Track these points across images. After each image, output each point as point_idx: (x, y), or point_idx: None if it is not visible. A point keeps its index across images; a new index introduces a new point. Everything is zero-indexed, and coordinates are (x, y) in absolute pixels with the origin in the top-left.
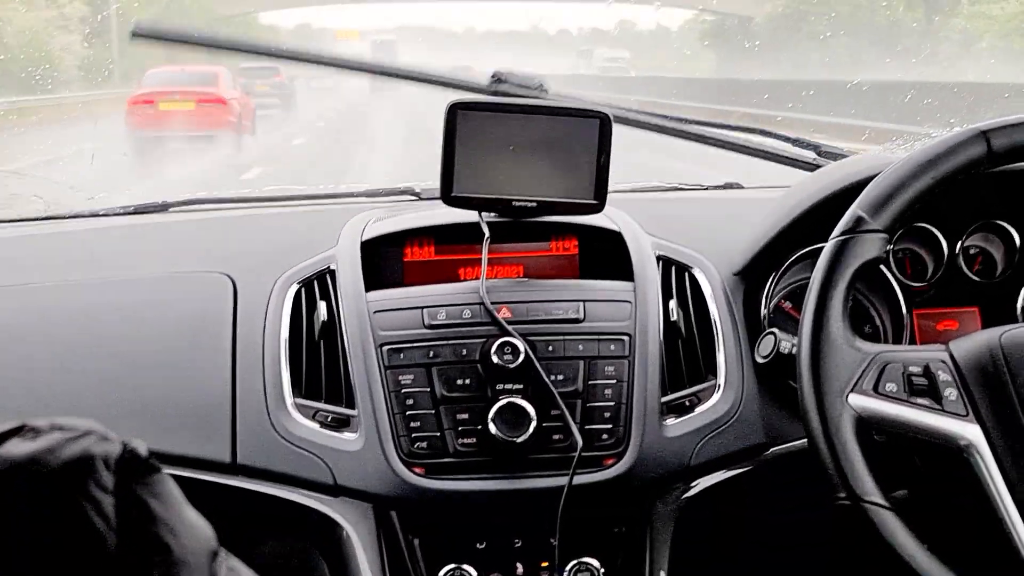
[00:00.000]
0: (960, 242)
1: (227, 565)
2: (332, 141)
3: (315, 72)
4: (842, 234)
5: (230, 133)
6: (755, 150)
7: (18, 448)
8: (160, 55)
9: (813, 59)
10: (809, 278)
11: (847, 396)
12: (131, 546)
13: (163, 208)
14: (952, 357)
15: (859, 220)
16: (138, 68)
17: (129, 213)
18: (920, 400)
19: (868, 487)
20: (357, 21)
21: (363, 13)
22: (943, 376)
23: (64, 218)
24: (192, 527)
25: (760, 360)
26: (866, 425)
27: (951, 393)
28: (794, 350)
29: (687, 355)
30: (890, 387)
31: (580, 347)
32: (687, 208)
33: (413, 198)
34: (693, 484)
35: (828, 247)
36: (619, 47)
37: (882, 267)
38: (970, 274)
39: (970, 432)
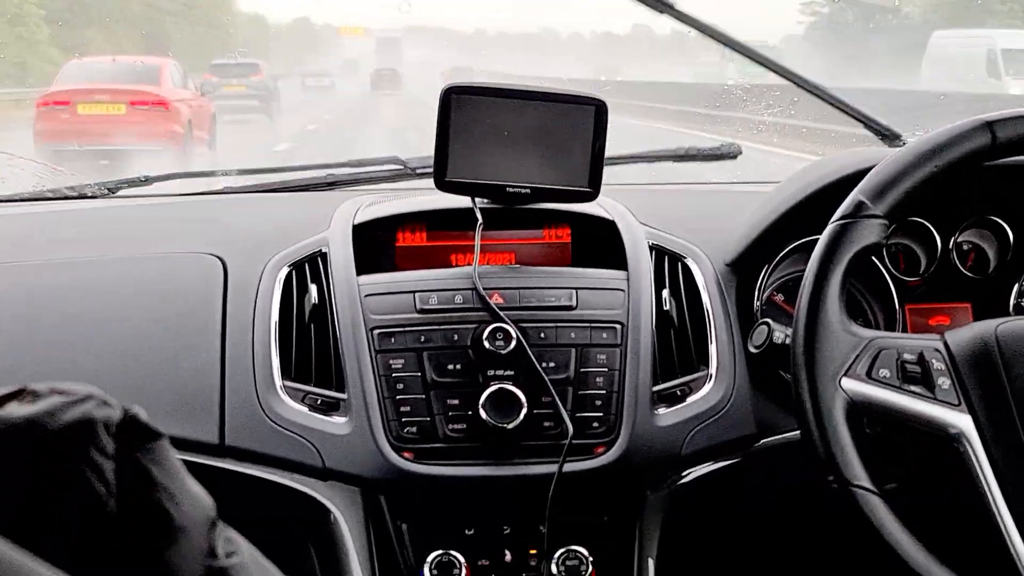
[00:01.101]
0: (953, 237)
1: (224, 536)
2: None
3: (307, 64)
4: (842, 218)
5: (174, 147)
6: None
7: (17, 411)
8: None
9: None
10: (802, 271)
11: (840, 380)
12: (131, 512)
13: (145, 182)
14: (947, 346)
15: (860, 205)
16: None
17: (111, 190)
18: (913, 387)
19: (857, 472)
20: (362, 18)
21: (368, 9)
22: (937, 365)
23: (50, 199)
24: (192, 495)
25: (753, 350)
26: (857, 410)
27: (944, 382)
28: (787, 340)
29: (679, 345)
30: (883, 373)
31: (572, 335)
32: (680, 199)
33: (399, 167)
34: (683, 474)
35: (828, 230)
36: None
37: (875, 260)
38: (963, 270)
39: (961, 421)
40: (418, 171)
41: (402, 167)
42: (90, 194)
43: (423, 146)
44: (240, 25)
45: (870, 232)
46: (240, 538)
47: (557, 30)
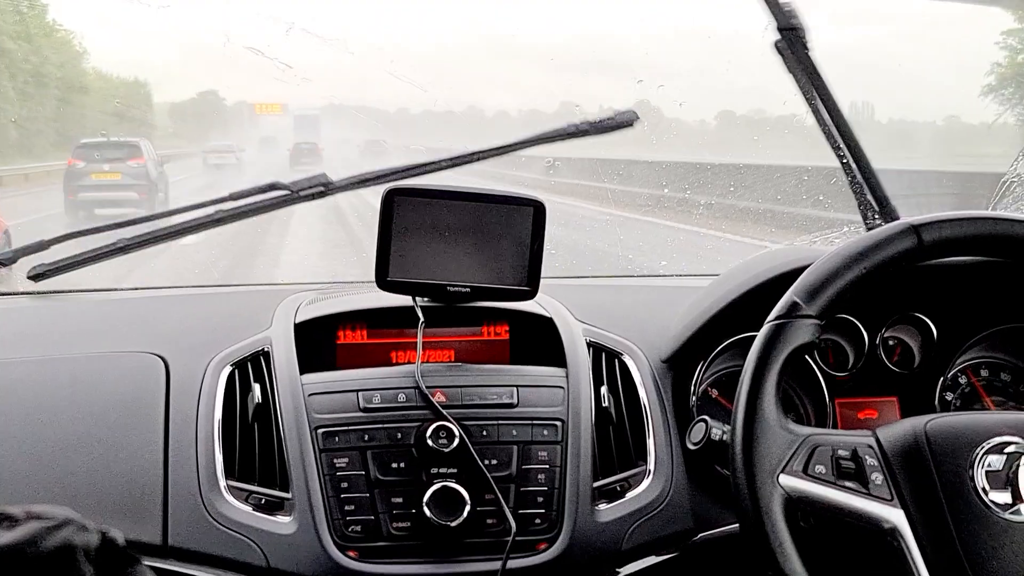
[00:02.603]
0: (880, 333)
1: None
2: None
3: (212, 140)
4: (777, 318)
5: None
6: None
7: None
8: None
9: None
10: (736, 366)
11: (778, 476)
12: None
13: (92, 290)
14: (879, 442)
15: (794, 305)
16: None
17: (59, 292)
18: (847, 483)
19: (796, 567)
20: (279, 96)
21: (287, 88)
22: (870, 460)
23: None
24: None
25: (691, 446)
26: (795, 505)
27: (877, 477)
28: (725, 437)
29: (617, 441)
30: (819, 469)
31: (514, 432)
32: (616, 295)
33: (285, 192)
34: (623, 569)
35: (764, 331)
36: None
37: (806, 356)
38: (890, 365)
39: (894, 516)
40: (302, 194)
41: (287, 192)
42: (23, 290)
43: None
44: (119, 94)
45: (804, 332)
46: None
47: (482, 108)
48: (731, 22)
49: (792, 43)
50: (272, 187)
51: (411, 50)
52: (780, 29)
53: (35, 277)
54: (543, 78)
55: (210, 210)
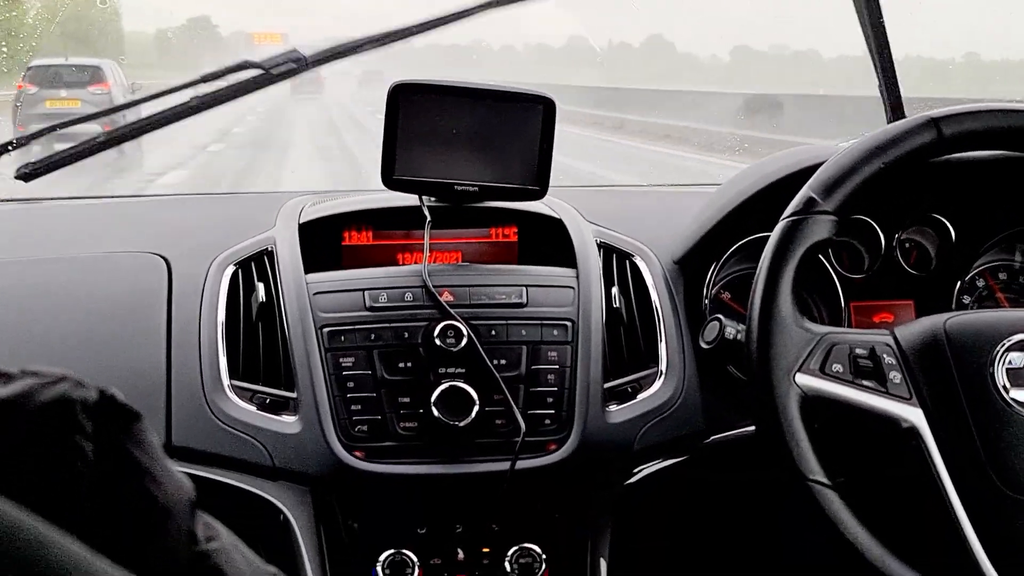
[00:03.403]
0: (897, 235)
1: (203, 520)
2: None
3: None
4: (793, 214)
5: None
6: None
7: None
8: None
9: None
10: (749, 268)
11: (794, 375)
12: (113, 494)
13: (92, 197)
14: (897, 341)
15: (811, 201)
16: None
17: (55, 199)
18: (865, 382)
19: (812, 466)
20: (279, 26)
21: (287, 20)
22: (888, 359)
23: None
24: (174, 477)
25: (704, 346)
26: (811, 404)
27: (895, 376)
28: (739, 336)
29: (629, 342)
30: (836, 368)
31: (523, 332)
32: (627, 199)
33: (259, 71)
34: (635, 470)
35: (780, 226)
36: (565, 64)
37: (821, 257)
38: (906, 267)
39: (913, 415)
40: (275, 72)
41: (261, 70)
42: (25, 197)
43: None
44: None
45: (821, 228)
46: (218, 523)
47: (489, 42)
48: None
49: None
50: (244, 66)
51: None
52: None
53: (23, 177)
54: (551, 11)
55: (185, 96)
